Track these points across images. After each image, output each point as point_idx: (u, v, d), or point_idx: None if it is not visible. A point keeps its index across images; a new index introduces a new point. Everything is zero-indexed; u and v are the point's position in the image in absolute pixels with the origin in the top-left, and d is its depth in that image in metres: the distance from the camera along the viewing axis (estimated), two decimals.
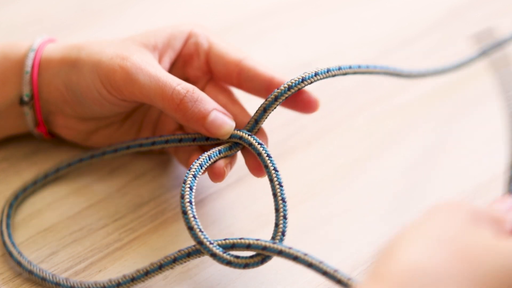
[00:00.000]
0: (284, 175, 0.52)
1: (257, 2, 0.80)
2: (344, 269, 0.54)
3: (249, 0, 0.80)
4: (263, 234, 0.56)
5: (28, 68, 0.56)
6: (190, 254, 0.49)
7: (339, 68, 0.54)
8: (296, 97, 0.55)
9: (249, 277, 0.53)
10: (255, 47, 0.74)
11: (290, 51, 0.74)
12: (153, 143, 0.55)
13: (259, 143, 0.52)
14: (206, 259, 0.53)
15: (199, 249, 0.49)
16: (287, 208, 0.50)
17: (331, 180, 0.61)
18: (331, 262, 0.54)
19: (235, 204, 0.58)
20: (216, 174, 0.52)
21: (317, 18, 0.79)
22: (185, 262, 0.50)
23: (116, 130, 0.59)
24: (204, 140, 0.53)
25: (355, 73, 0.55)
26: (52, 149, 0.61)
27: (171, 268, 0.50)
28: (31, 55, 0.56)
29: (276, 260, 0.54)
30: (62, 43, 0.58)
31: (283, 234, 0.49)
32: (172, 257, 0.50)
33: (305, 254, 0.48)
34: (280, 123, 0.65)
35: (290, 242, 0.55)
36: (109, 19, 0.76)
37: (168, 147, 0.55)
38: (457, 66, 0.67)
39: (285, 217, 0.49)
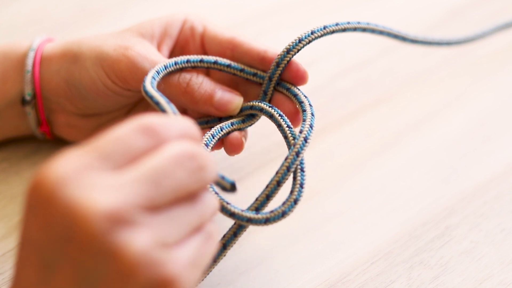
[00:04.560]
0: None
1: (257, 2, 0.80)
2: (344, 269, 0.54)
3: (250, 0, 0.80)
4: (264, 233, 0.56)
5: (29, 67, 0.56)
6: (236, 233, 0.49)
7: (348, 23, 0.54)
8: (286, 70, 0.54)
9: (249, 278, 0.53)
10: None
11: None
12: None
13: (269, 106, 0.53)
14: None
15: (233, 219, 0.48)
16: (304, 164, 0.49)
17: (331, 180, 0.61)
18: (331, 262, 0.54)
19: (235, 203, 0.58)
20: (233, 145, 0.53)
21: (317, 18, 0.79)
22: (234, 244, 0.49)
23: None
24: (217, 120, 0.54)
25: (364, 30, 0.55)
26: (53, 149, 0.61)
27: (224, 256, 0.49)
28: (31, 54, 0.56)
29: (276, 260, 0.54)
30: (60, 40, 0.58)
31: (301, 186, 0.48)
32: (221, 244, 0.49)
33: None
34: None
35: (290, 242, 0.56)
36: (109, 19, 0.76)
37: None
38: (464, 39, 0.66)
39: (298, 154, 0.48)
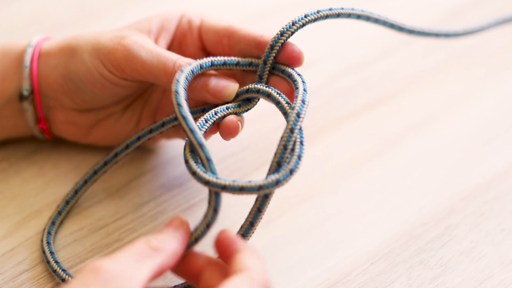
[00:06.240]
0: None
1: (257, 2, 0.80)
2: (344, 269, 0.54)
3: (250, 0, 0.80)
4: (264, 232, 0.56)
5: (27, 63, 0.56)
6: (259, 208, 0.49)
7: (342, 8, 0.55)
8: (281, 52, 0.54)
9: None
10: None
11: None
12: (163, 124, 0.55)
13: (266, 86, 0.53)
14: None
15: (225, 191, 0.47)
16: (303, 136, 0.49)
17: (331, 180, 0.61)
18: (331, 262, 0.54)
19: (236, 203, 0.58)
20: (228, 128, 0.52)
21: None
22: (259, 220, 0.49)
23: (116, 121, 0.59)
24: (214, 108, 0.54)
25: (359, 16, 0.55)
26: (52, 149, 0.61)
27: (253, 233, 0.50)
28: (30, 51, 0.57)
29: (276, 260, 0.54)
30: (58, 38, 0.59)
31: (299, 158, 0.47)
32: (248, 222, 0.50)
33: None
34: (279, 124, 0.65)
35: (290, 242, 0.56)
36: (109, 19, 0.76)
37: (177, 125, 0.55)
38: (463, 32, 0.66)
39: (292, 131, 0.48)
